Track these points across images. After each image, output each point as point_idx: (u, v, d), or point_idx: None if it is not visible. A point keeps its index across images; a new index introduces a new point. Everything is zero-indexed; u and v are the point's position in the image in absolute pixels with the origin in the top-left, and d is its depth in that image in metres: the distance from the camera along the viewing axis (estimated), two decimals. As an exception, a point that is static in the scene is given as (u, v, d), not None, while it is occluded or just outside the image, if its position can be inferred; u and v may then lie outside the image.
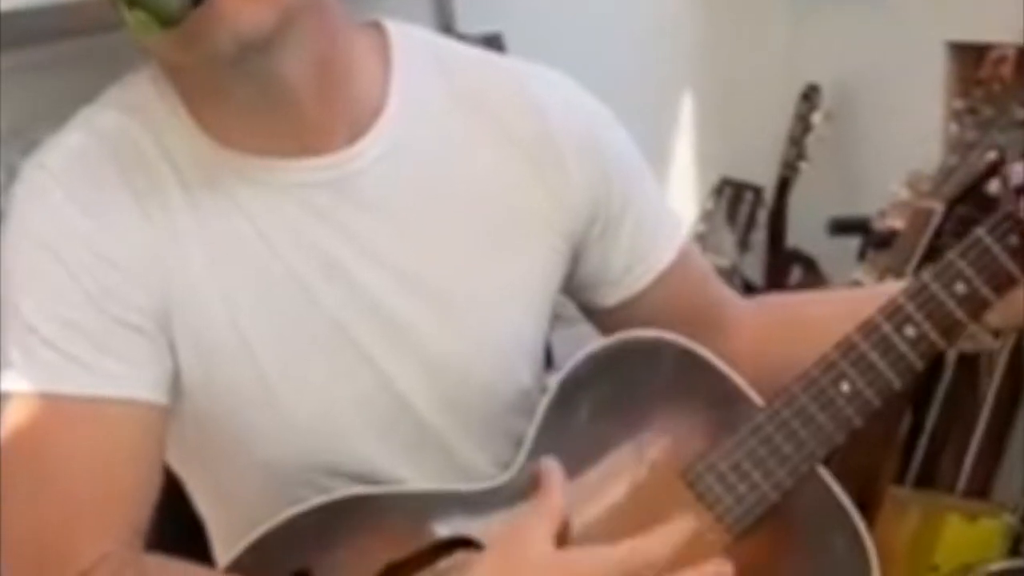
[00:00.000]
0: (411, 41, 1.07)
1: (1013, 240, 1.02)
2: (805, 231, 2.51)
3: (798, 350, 1.07)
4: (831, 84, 2.54)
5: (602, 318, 1.16)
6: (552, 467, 1.01)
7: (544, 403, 1.06)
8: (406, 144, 1.03)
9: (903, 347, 1.03)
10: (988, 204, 1.81)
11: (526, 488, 1.03)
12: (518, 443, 1.10)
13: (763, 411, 1.04)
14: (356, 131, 1.02)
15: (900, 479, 1.87)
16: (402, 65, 1.05)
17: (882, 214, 2.24)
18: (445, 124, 1.06)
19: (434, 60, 1.08)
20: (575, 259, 1.12)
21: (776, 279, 2.55)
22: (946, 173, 1.86)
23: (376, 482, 1.04)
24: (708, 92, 2.73)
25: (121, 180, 0.97)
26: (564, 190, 1.08)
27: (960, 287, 1.03)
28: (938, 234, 1.82)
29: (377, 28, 1.08)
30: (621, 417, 1.06)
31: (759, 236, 2.56)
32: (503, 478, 1.05)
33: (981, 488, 1.79)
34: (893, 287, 1.13)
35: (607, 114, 1.13)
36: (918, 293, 1.04)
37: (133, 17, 0.87)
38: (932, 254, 1.82)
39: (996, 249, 1.02)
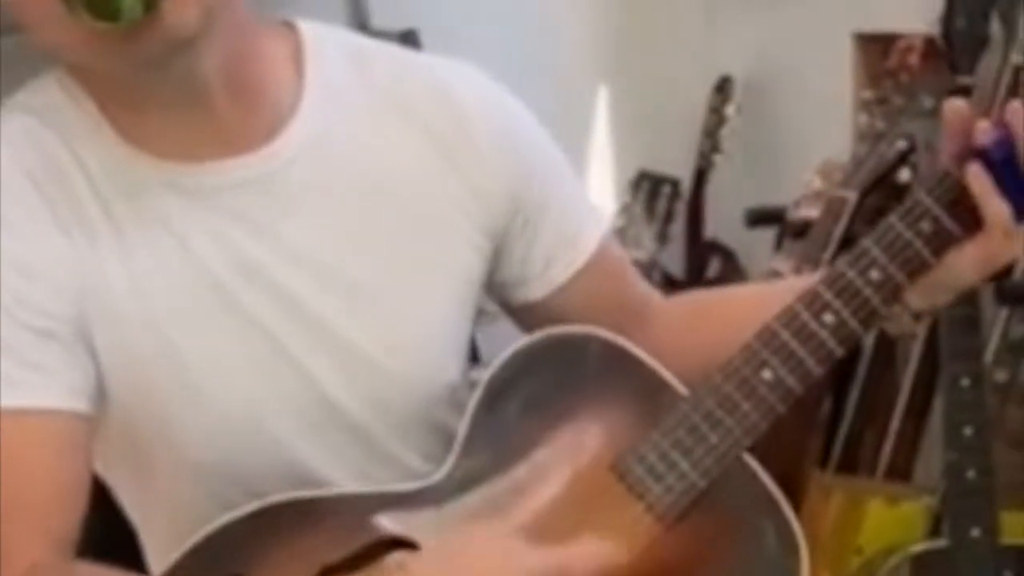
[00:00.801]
0: (323, 39, 1.08)
1: (925, 226, 1.04)
2: (723, 223, 2.55)
3: (715, 343, 1.08)
4: (744, 76, 2.58)
5: (524, 315, 1.16)
6: None
7: (474, 400, 1.06)
8: (322, 141, 1.03)
9: (823, 334, 1.05)
10: (899, 192, 1.86)
11: (458, 486, 1.03)
12: (446, 438, 1.10)
13: (688, 401, 1.05)
14: (273, 130, 1.02)
15: (823, 464, 1.91)
16: (315, 62, 1.05)
17: (797, 204, 2.28)
18: (361, 119, 1.06)
19: (347, 56, 1.08)
20: (497, 254, 1.12)
21: (695, 271, 2.58)
22: (858, 163, 1.90)
23: (307, 483, 1.03)
24: (623, 86, 2.76)
25: (34, 188, 0.96)
26: (482, 184, 1.08)
27: (875, 274, 1.04)
28: (852, 223, 1.86)
29: (288, 27, 1.08)
30: (550, 412, 1.06)
31: (677, 228, 2.59)
32: (436, 477, 1.04)
33: (902, 471, 1.83)
34: (808, 279, 1.16)
35: (523, 109, 1.14)
36: (834, 281, 1.05)
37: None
38: (847, 243, 1.86)
39: (908, 235, 1.04)
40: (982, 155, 1.00)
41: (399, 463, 1.08)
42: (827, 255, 1.84)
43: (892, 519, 1.70)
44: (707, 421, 1.04)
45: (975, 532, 1.61)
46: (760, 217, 2.28)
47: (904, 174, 1.79)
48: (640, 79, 2.72)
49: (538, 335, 1.08)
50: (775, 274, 2.16)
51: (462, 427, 1.06)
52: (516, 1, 2.58)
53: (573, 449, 1.06)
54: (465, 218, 1.08)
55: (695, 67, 2.66)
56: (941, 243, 1.03)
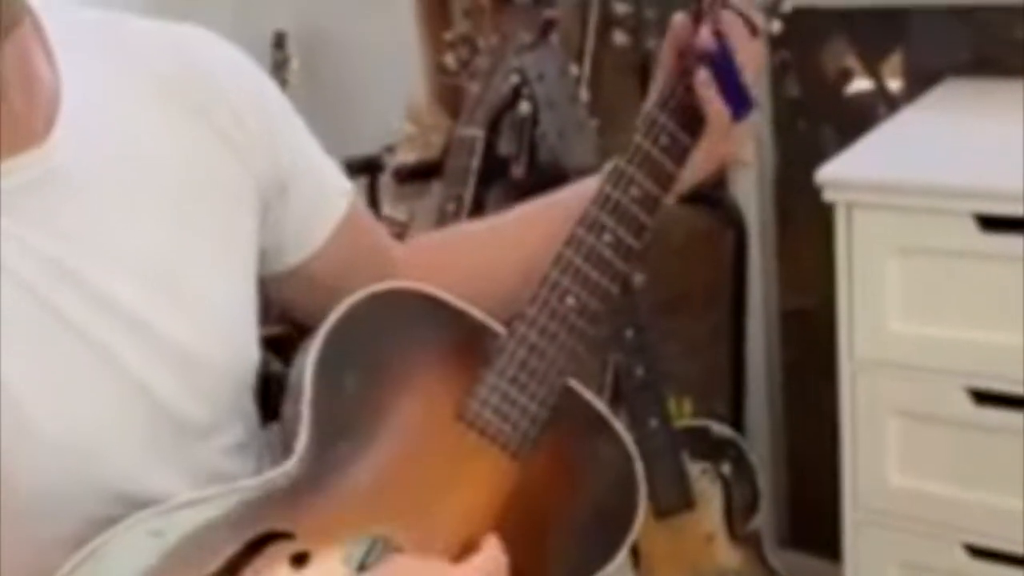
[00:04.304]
0: (57, 15, 1.00)
1: (664, 141, 1.14)
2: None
3: (454, 283, 1.13)
4: (299, 29, 2.57)
5: (280, 283, 1.14)
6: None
7: (308, 385, 1.03)
8: (92, 128, 0.97)
9: (607, 254, 1.12)
10: (522, 123, 1.98)
11: (316, 469, 1.01)
12: (252, 424, 1.10)
13: (511, 339, 1.09)
14: (50, 120, 0.95)
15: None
16: (63, 46, 0.98)
17: (391, 150, 2.34)
18: (120, 99, 1.00)
19: (83, 30, 1.02)
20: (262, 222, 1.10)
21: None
22: (476, 101, 1.98)
23: (142, 498, 0.97)
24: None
25: None
26: (248, 151, 1.05)
27: (635, 191, 1.12)
28: (484, 157, 1.95)
29: None
30: (385, 378, 1.06)
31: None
32: (291, 464, 1.01)
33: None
34: (532, 205, 1.24)
35: (258, 67, 1.11)
36: (605, 202, 1.12)
37: None
38: (484, 176, 1.95)
39: (655, 153, 1.13)
40: (705, 60, 1.09)
41: (222, 457, 1.05)
42: (469, 190, 1.92)
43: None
44: (533, 354, 1.09)
45: (653, 423, 1.78)
46: (357, 167, 2.30)
47: (524, 107, 1.90)
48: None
49: (347, 304, 1.06)
50: (393, 221, 2.22)
51: (305, 407, 1.03)
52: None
53: (417, 410, 1.06)
54: (236, 184, 1.05)
55: (242, 25, 2.62)
56: (680, 153, 1.13)
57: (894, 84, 2.20)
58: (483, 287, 1.16)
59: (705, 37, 1.09)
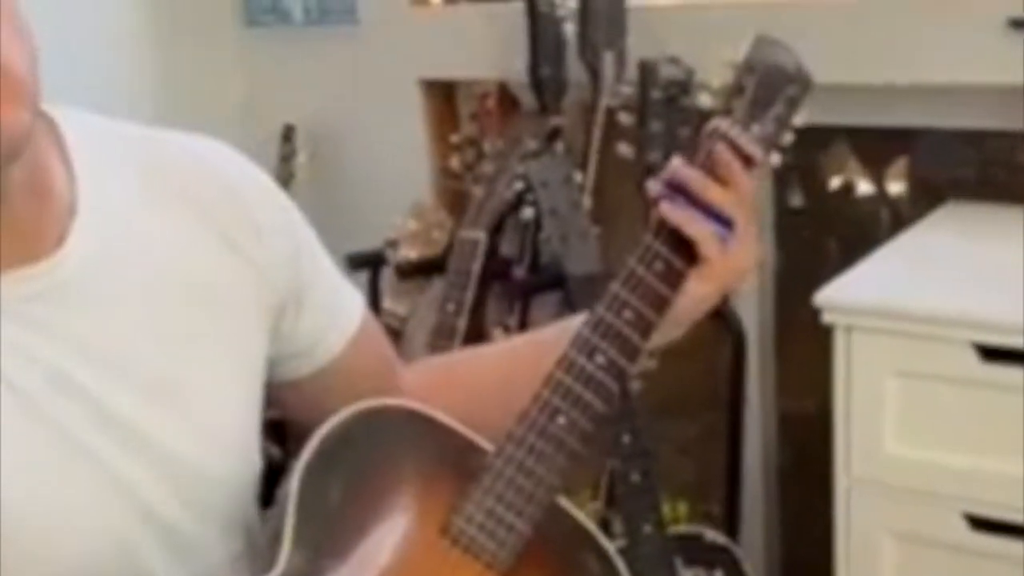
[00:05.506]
0: (73, 122, 1.02)
1: (659, 266, 1.14)
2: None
3: (455, 405, 1.14)
4: (308, 124, 2.60)
5: (291, 392, 1.15)
6: None
7: (293, 493, 1.03)
8: (107, 239, 0.99)
9: (599, 375, 1.12)
10: (525, 228, 2.00)
11: None
12: (249, 535, 1.10)
13: (499, 456, 1.09)
14: (63, 230, 0.97)
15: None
16: (81, 156, 1.00)
17: (394, 245, 2.35)
18: (138, 214, 1.02)
19: (120, 148, 1.04)
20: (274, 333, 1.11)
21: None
22: (479, 205, 2.00)
23: None
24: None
25: None
26: (264, 263, 1.08)
27: (628, 314, 1.13)
28: (486, 261, 1.96)
29: (41, 116, 1.00)
30: (370, 493, 1.06)
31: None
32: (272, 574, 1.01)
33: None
34: (543, 333, 1.26)
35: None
36: (597, 325, 1.12)
37: None
38: (484, 279, 1.96)
39: (649, 277, 1.13)
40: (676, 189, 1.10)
41: (211, 564, 1.05)
42: (470, 292, 1.92)
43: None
44: (521, 472, 1.09)
45: (647, 528, 1.76)
46: (361, 261, 2.31)
47: (527, 212, 1.91)
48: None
49: (338, 417, 1.07)
50: (393, 315, 2.23)
51: (288, 519, 1.03)
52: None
53: (401, 524, 1.07)
54: (251, 300, 1.07)
55: (254, 117, 2.65)
56: (675, 278, 1.13)
57: (897, 195, 2.21)
58: (484, 408, 1.15)
59: (673, 167, 1.10)
